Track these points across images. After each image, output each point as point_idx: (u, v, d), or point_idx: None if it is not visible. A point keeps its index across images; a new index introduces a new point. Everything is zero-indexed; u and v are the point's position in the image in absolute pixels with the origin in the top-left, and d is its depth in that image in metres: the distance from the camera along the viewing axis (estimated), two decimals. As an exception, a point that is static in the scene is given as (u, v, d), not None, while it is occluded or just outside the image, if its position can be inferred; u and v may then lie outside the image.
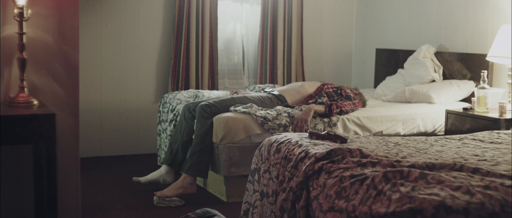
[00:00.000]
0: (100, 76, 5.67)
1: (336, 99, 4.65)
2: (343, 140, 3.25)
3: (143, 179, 4.54)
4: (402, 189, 2.33)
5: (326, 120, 4.45)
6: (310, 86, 4.84)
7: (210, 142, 4.31)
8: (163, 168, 4.56)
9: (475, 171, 2.64)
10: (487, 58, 4.59)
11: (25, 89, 2.88)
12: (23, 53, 2.87)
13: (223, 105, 4.41)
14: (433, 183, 2.40)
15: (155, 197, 4.26)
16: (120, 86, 5.79)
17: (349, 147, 2.96)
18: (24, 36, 2.88)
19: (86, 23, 5.45)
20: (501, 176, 2.57)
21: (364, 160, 2.76)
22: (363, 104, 4.86)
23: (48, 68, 3.08)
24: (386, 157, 2.86)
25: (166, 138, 4.92)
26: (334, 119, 4.47)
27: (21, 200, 3.12)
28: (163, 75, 5.93)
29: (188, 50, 5.79)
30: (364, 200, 2.42)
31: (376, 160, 2.75)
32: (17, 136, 2.69)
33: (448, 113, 4.57)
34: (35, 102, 2.89)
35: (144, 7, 5.77)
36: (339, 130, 4.47)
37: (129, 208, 4.18)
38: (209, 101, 4.44)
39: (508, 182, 2.43)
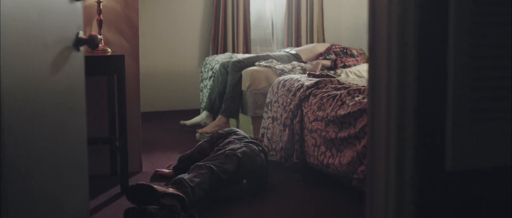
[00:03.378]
0: (154, 45, 6.59)
1: (341, 56, 5.67)
2: (332, 77, 4.30)
3: (188, 122, 5.61)
4: (357, 98, 3.40)
5: (332, 72, 5.48)
6: (321, 47, 5.85)
7: (239, 90, 5.33)
8: (204, 113, 5.60)
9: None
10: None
11: (102, 41, 4.03)
12: (101, 16, 4.01)
13: (249, 61, 5.44)
14: (379, 95, 3.45)
15: (197, 134, 5.29)
16: (169, 52, 6.67)
17: (331, 79, 4.03)
18: (100, 4, 4.03)
19: (145, 1, 6.28)
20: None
21: (340, 86, 3.83)
22: (367, 62, 5.85)
23: (117, 27, 4.20)
24: (356, 84, 3.92)
25: (206, 92, 5.92)
26: (338, 71, 5.50)
27: (98, 121, 4.26)
28: (205, 42, 6.79)
29: (225, 22, 6.70)
30: (333, 108, 3.50)
31: (348, 86, 3.82)
32: (98, 70, 3.76)
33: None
34: (109, 50, 3.98)
35: (188, -14, 6.71)
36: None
37: (178, 142, 5.25)
38: (238, 58, 5.49)
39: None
